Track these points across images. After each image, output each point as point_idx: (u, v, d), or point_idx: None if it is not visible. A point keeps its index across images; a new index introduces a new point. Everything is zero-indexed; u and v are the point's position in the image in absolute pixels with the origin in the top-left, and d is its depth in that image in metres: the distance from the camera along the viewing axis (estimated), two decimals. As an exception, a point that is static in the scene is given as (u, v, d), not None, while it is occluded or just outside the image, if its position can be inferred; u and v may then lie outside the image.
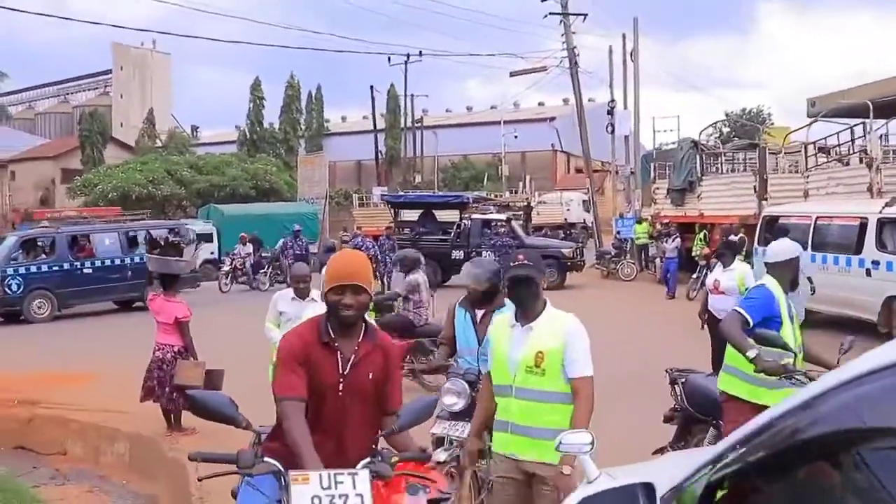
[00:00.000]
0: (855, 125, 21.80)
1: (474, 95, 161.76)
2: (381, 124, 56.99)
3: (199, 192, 41.43)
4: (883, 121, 19.20)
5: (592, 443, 3.37)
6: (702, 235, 22.69)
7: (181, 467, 8.15)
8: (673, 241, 22.19)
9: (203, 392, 3.44)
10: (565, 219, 42.46)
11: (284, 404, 3.41)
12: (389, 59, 47.13)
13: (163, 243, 10.34)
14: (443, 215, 26.91)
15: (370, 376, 3.56)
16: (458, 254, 23.55)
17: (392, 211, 28.01)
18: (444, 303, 7.16)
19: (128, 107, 77.00)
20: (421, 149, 55.52)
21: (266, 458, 3.27)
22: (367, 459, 3.36)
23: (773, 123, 54.38)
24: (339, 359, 3.51)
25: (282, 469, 3.22)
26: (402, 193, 34.63)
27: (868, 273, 13.54)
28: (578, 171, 64.47)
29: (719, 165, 24.86)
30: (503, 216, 26.50)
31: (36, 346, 15.76)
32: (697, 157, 24.25)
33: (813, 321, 14.63)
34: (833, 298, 14.08)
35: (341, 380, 3.51)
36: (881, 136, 18.23)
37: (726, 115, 68.32)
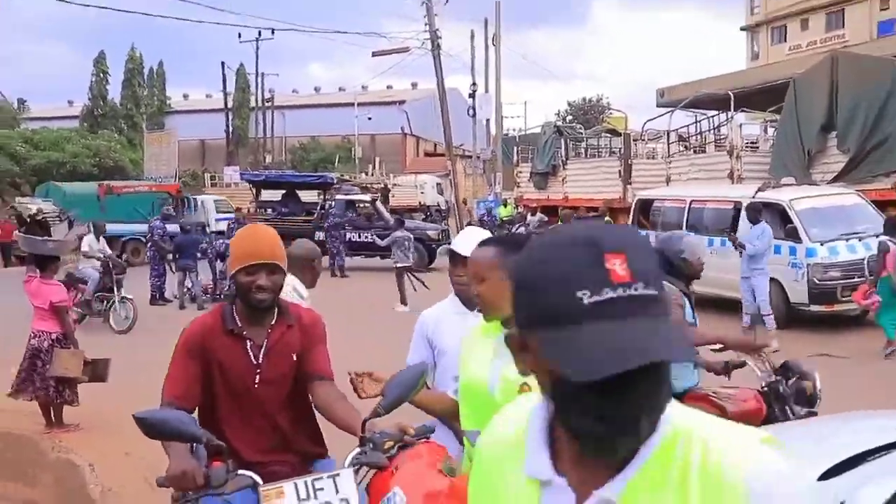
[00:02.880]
0: (712, 115, 22.61)
1: (320, 77, 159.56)
2: (228, 104, 55.12)
3: (35, 170, 38.53)
4: (742, 111, 19.91)
5: None
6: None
7: (70, 468, 7.30)
8: (536, 215, 22.64)
9: (152, 411, 2.74)
10: (420, 202, 42.35)
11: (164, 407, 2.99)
12: (240, 35, 45.50)
13: (28, 220, 9.18)
14: (306, 196, 26.25)
15: (293, 358, 3.17)
16: (320, 235, 22.91)
17: (253, 191, 27.02)
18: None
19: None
20: (272, 129, 54.04)
21: (241, 472, 2.78)
22: (357, 450, 2.84)
23: (611, 113, 56.11)
24: (250, 348, 3.12)
25: (259, 482, 2.75)
26: (263, 173, 33.46)
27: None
28: (428, 154, 64.71)
29: (582, 150, 25.20)
30: (367, 197, 26.03)
31: None
32: (562, 141, 24.51)
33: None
34: (707, 279, 14.37)
35: (257, 371, 3.12)
36: (740, 125, 18.88)
37: (569, 103, 70.41)
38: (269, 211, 25.26)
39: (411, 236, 16.89)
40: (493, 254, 2.76)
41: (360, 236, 22.92)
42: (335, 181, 27.54)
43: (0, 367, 9.35)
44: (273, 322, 3.16)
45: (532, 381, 2.69)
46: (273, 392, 3.14)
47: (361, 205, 24.63)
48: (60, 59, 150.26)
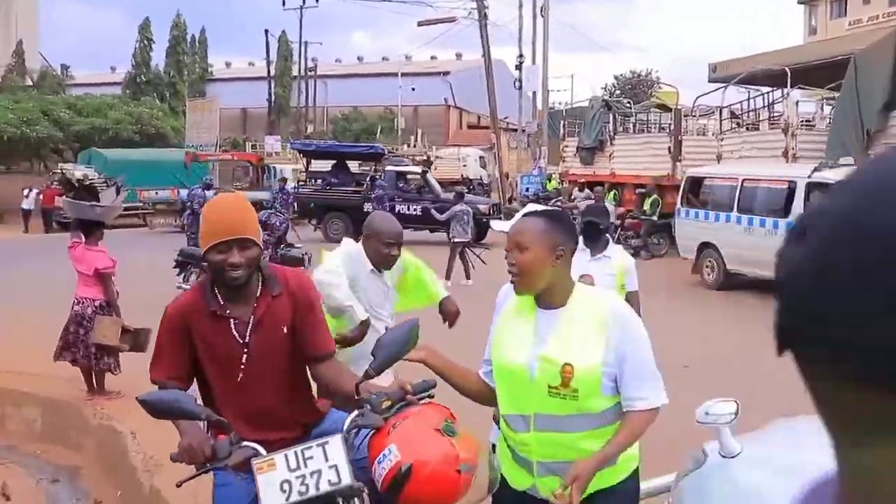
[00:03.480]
0: (767, 92, 22.19)
1: (364, 46, 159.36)
2: (270, 72, 55.35)
3: (77, 136, 39.03)
4: (798, 88, 19.50)
5: (736, 412, 2.96)
6: (612, 196, 22.82)
7: (113, 434, 7.39)
8: (583, 191, 22.47)
9: (152, 393, 2.82)
10: (462, 175, 42.23)
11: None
12: (284, 2, 45.60)
13: (76, 185, 9.26)
14: (358, 168, 26.45)
15: (283, 331, 3.00)
16: (369, 206, 22.89)
17: (303, 160, 27.14)
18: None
19: (-13, 41, 72.00)
20: (314, 98, 54.16)
21: (244, 443, 2.86)
22: (354, 413, 2.86)
23: (661, 87, 55.39)
24: (234, 327, 2.97)
25: (262, 452, 2.84)
26: (313, 142, 33.57)
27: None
28: (471, 126, 64.47)
29: (630, 125, 24.90)
30: (418, 169, 26.01)
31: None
32: (610, 116, 24.24)
33: (739, 283, 14.86)
34: (759, 261, 14.16)
35: (244, 351, 2.97)
36: (796, 102, 18.49)
37: (616, 77, 69.59)
38: (319, 181, 25.22)
39: (471, 211, 16.67)
40: (539, 224, 2.72)
41: (409, 209, 22.63)
42: (385, 152, 27.51)
43: (43, 333, 9.51)
44: (258, 295, 2.99)
45: (575, 358, 2.57)
46: (265, 369, 3.01)
47: (412, 176, 24.56)
48: (103, 26, 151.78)
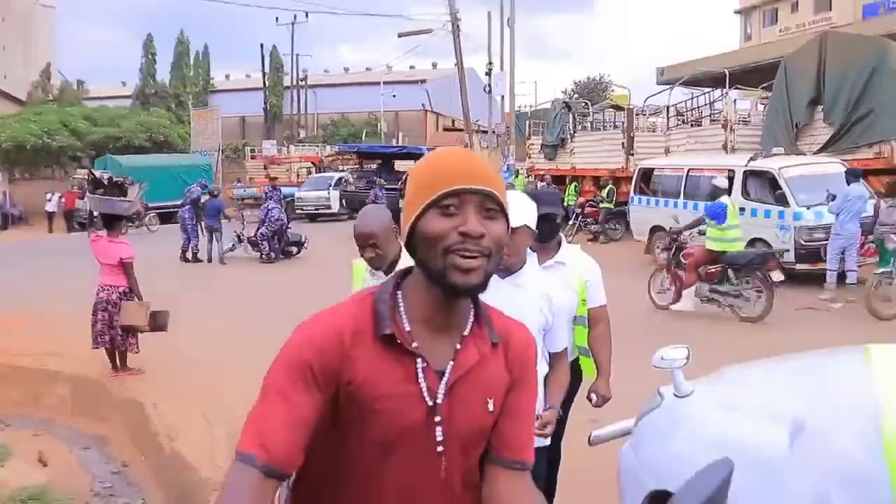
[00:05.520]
0: (708, 91, 22.38)
1: (349, 58, 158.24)
2: (266, 83, 55.08)
3: (94, 144, 38.65)
4: (736, 88, 19.69)
5: (688, 357, 3.06)
6: (573, 187, 23.04)
7: (136, 406, 7.46)
8: (548, 184, 22.66)
9: None
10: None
11: (237, 468, 1.38)
12: (277, 18, 45.37)
13: (107, 183, 9.23)
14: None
15: (489, 406, 1.55)
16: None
17: (359, 161, 26.81)
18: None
19: (10, 59, 70.88)
20: (305, 106, 53.92)
21: None
22: None
23: (613, 90, 55.38)
24: (423, 374, 1.49)
25: None
26: (356, 144, 33.44)
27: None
28: (446, 129, 64.25)
29: (587, 124, 25.01)
30: None
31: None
32: (570, 116, 24.33)
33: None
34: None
35: (434, 419, 1.49)
36: (734, 100, 18.67)
37: (575, 82, 69.72)
38: (364, 180, 24.54)
39: None
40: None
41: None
42: (425, 151, 27.39)
43: (69, 319, 9.55)
44: (466, 332, 1.54)
45: None
46: (452, 460, 1.53)
47: None
48: (114, 43, 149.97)
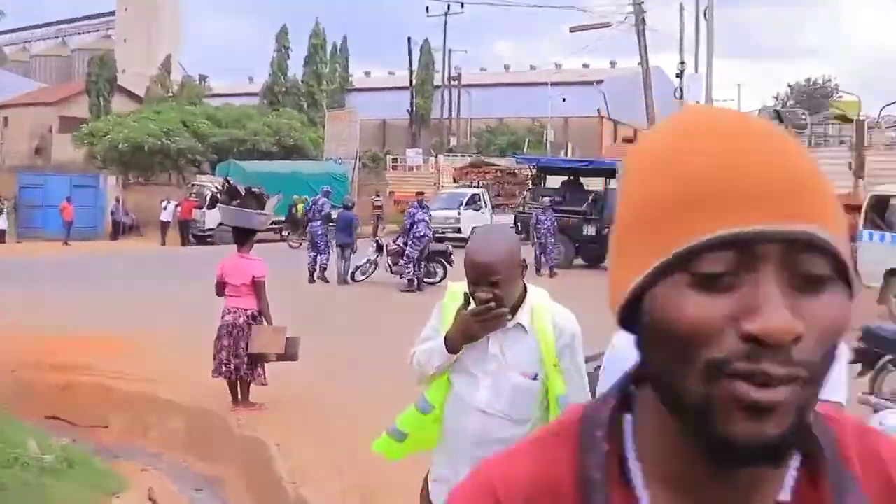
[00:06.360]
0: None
1: (507, 55, 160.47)
2: (412, 81, 56.48)
3: (215, 147, 40.87)
4: None
5: None
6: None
7: (257, 445, 7.81)
8: None
9: None
10: (618, 191, 41.91)
11: None
12: (427, 9, 46.58)
13: (243, 193, 9.60)
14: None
15: None
16: (589, 229, 22.35)
17: (541, 176, 27.18)
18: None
19: (131, 52, 76.35)
20: (457, 109, 54.88)
21: None
22: None
23: (840, 96, 53.62)
24: None
25: None
26: (536, 157, 33.82)
27: None
28: (626, 140, 63.67)
29: (805, 138, 24.25)
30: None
31: (76, 307, 14.70)
32: (782, 128, 23.67)
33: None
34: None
35: None
36: None
37: (790, 86, 67.62)
38: (546, 200, 24.98)
39: None
40: None
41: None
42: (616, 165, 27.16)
43: (183, 342, 10.15)
44: (782, 497, 0.83)
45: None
46: None
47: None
48: (241, 35, 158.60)
